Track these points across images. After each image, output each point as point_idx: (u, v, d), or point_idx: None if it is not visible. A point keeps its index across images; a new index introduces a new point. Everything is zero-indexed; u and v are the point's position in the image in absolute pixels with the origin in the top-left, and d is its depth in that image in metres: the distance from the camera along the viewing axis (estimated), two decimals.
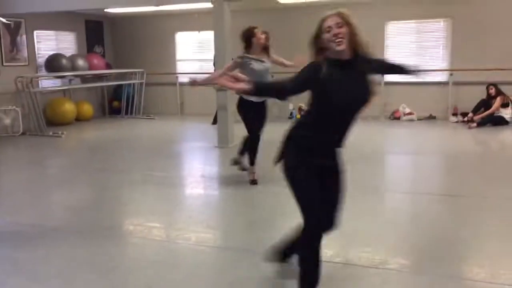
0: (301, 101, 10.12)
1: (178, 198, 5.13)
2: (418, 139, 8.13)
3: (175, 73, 11.48)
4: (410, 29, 9.89)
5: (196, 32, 11.16)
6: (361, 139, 6.35)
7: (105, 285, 3.01)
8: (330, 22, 2.32)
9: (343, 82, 2.33)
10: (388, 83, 9.36)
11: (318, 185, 2.48)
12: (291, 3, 9.52)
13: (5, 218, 4.34)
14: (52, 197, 5.20)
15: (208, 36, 9.61)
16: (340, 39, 2.29)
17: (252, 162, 5.20)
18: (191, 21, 10.69)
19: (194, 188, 5.54)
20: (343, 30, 2.30)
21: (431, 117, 9.70)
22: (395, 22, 9.90)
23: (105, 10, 9.81)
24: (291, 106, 10.43)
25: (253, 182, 5.19)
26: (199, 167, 6.56)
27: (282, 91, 2.52)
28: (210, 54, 9.43)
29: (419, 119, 9.68)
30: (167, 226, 4.13)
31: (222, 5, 7.07)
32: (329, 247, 3.19)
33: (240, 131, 5.95)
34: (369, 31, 2.73)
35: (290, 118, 10.33)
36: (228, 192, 5.24)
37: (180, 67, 11.61)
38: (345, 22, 2.32)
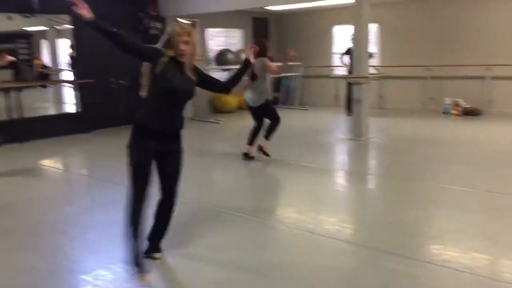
0: (460, 96, 9.63)
1: (319, 190, 5.28)
2: None
3: (330, 66, 11.81)
4: None
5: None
6: None
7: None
8: (184, 38, 3.00)
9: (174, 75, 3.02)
10: None
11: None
12: None
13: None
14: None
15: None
16: (183, 54, 3.00)
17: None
18: (348, 14, 10.86)
19: (333, 180, 5.78)
20: (188, 47, 3.01)
21: None
22: None
23: (265, 8, 10.62)
24: (447, 100, 9.92)
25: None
26: (333, 159, 6.85)
27: (119, 37, 2.88)
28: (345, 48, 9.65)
29: None
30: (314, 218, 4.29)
31: (361, 1, 7.17)
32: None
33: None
34: None
35: (444, 113, 9.86)
36: (369, 187, 5.48)
37: (337, 60, 11.88)
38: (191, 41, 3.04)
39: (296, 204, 4.81)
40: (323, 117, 10.67)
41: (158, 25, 9.94)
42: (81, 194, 5.34)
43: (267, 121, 6.41)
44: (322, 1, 8.78)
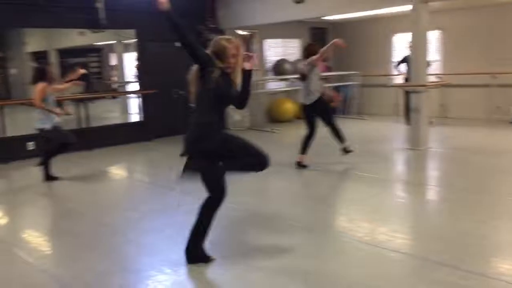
0: None
1: (373, 199, 5.16)
2: None
3: (389, 75, 11.61)
4: None
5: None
6: None
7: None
8: (233, 51, 3.27)
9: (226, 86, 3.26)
10: None
11: None
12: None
13: None
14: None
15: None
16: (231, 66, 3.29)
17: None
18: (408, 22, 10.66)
19: (388, 190, 5.63)
20: (236, 60, 3.26)
21: None
22: None
23: (323, 18, 10.65)
24: None
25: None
26: (389, 168, 6.75)
27: (186, 32, 3.10)
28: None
29: None
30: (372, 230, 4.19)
31: (419, 7, 7.04)
32: None
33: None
34: None
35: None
36: (425, 198, 5.38)
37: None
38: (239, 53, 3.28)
39: (349, 213, 4.80)
40: (381, 126, 10.50)
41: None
42: (140, 199, 5.60)
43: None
44: (381, 9, 8.67)
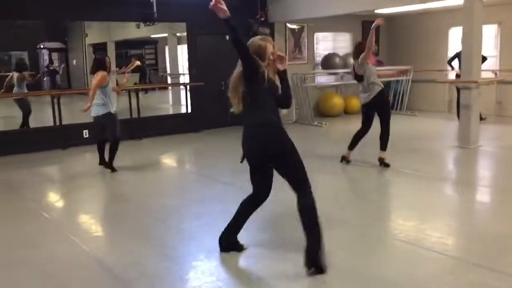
0: None
1: (419, 198, 5.07)
2: None
3: (443, 70, 11.24)
4: None
5: None
6: None
7: None
8: (270, 48, 3.31)
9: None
10: None
11: None
12: None
13: None
14: None
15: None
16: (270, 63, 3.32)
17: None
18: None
19: (435, 189, 5.46)
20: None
21: None
22: None
23: (376, 11, 10.45)
24: None
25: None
26: (437, 166, 6.58)
27: (241, 42, 3.08)
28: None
29: None
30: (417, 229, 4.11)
31: (475, 2, 6.79)
32: None
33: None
34: None
35: None
36: (472, 198, 5.22)
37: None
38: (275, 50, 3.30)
39: (391, 210, 4.77)
40: (433, 123, 10.21)
41: (267, 30, 10.29)
42: (184, 188, 5.78)
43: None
44: (436, 2, 8.39)
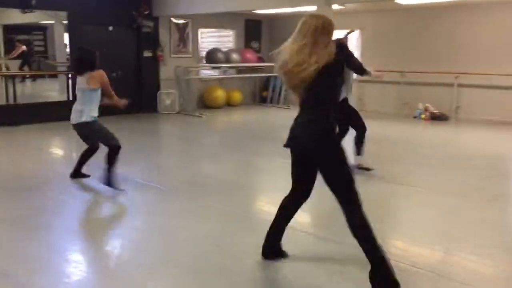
0: (431, 102, 10.15)
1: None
2: None
3: None
4: None
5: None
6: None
7: None
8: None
9: None
10: None
11: None
12: (413, 4, 9.58)
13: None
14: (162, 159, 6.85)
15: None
16: None
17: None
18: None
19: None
20: None
21: None
22: None
23: (254, 11, 11.29)
24: (420, 105, 10.45)
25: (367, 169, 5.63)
26: None
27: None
28: None
29: None
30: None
31: (325, 8, 7.79)
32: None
33: None
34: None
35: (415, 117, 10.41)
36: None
37: None
38: None
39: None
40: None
41: (150, 24, 10.72)
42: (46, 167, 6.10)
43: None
44: (298, 7, 9.30)
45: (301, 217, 3.70)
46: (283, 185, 3.40)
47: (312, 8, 8.15)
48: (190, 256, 3.43)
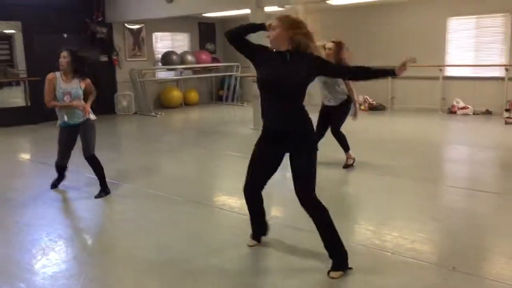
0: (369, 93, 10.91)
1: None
2: (468, 133, 8.43)
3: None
4: (471, 25, 9.88)
5: None
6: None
7: None
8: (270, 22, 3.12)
9: (271, 63, 3.07)
10: (447, 78, 9.68)
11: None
12: (341, 5, 10.32)
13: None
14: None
15: None
16: (270, 39, 3.08)
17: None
18: None
19: None
20: (274, 32, 3.03)
21: (487, 112, 9.56)
22: (457, 18, 9.95)
23: (203, 14, 11.90)
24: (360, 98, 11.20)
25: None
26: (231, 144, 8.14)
27: (234, 32, 3.31)
28: None
29: (475, 114, 9.65)
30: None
31: (257, 10, 8.48)
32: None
33: None
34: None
35: None
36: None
37: None
38: (281, 25, 3.00)
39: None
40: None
41: (104, 30, 11.25)
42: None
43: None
44: (230, 11, 9.87)
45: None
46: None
47: (246, 11, 8.80)
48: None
